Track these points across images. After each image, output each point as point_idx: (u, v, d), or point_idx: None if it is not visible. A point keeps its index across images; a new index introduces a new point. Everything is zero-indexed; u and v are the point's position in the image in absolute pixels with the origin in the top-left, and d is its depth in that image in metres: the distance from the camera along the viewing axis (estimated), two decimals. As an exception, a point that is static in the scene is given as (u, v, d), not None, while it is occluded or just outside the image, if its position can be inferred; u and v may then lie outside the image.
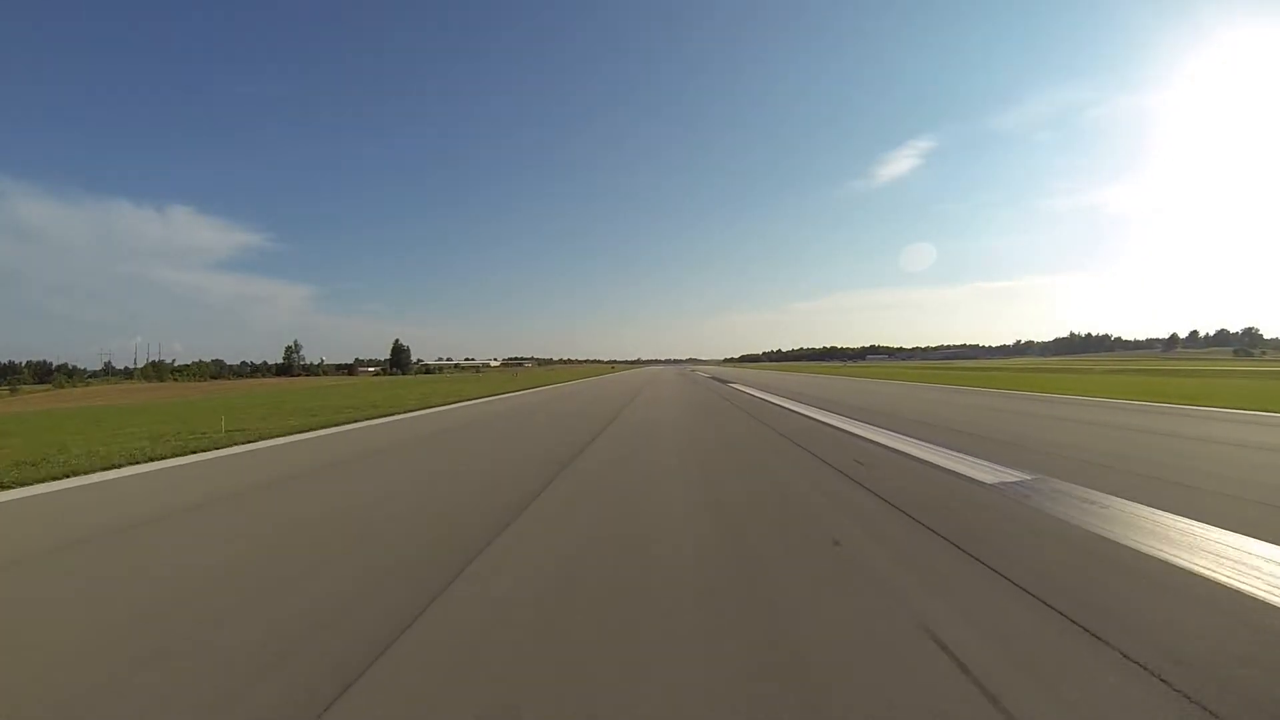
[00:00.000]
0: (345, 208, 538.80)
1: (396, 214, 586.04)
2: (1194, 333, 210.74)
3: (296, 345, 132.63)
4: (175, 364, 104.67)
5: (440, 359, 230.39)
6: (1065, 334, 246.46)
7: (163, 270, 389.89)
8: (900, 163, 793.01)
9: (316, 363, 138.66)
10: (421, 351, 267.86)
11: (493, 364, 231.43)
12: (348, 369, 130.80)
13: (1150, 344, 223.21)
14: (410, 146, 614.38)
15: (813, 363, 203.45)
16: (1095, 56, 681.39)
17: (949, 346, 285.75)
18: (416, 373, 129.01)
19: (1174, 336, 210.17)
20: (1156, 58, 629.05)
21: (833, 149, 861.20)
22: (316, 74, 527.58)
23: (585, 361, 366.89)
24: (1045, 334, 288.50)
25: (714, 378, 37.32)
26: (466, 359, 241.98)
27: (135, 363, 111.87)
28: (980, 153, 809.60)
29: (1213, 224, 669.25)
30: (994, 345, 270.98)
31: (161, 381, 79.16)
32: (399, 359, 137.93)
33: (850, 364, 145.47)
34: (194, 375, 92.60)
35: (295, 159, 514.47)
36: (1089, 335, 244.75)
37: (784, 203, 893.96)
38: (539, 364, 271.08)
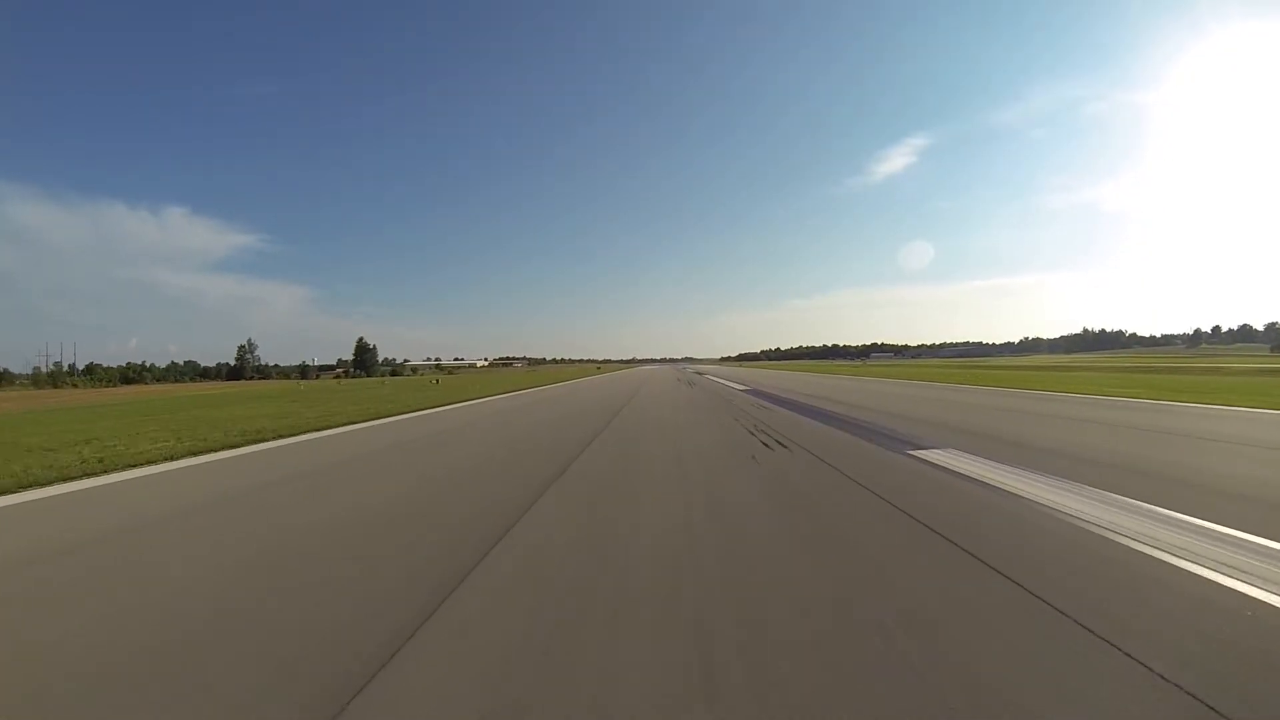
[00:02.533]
0: (343, 209, 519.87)
1: (394, 215, 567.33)
2: (1216, 328, 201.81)
3: (250, 345, 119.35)
4: (107, 365, 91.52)
5: (429, 359, 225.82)
6: (1069, 331, 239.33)
7: (159, 272, 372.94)
8: (896, 160, 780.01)
9: (287, 364, 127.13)
10: (416, 352, 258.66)
11: (480, 364, 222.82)
12: (300, 371, 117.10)
13: (1168, 340, 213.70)
14: (408, 147, 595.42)
15: (820, 361, 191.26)
16: (1092, 52, 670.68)
17: (953, 344, 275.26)
18: (383, 374, 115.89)
19: (1198, 332, 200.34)
20: (1154, 53, 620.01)
21: (829, 147, 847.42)
22: (313, 74, 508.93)
23: (579, 361, 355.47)
24: (1043, 330, 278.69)
25: (753, 389, 21.50)
26: (456, 359, 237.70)
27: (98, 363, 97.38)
28: (976, 150, 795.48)
29: (1214, 219, 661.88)
30: (998, 343, 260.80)
31: (56, 388, 65.77)
32: (363, 359, 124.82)
33: (863, 363, 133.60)
34: (102, 380, 79.32)
35: (292, 160, 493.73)
36: (1102, 331, 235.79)
37: (780, 201, 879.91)
38: (530, 364, 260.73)
